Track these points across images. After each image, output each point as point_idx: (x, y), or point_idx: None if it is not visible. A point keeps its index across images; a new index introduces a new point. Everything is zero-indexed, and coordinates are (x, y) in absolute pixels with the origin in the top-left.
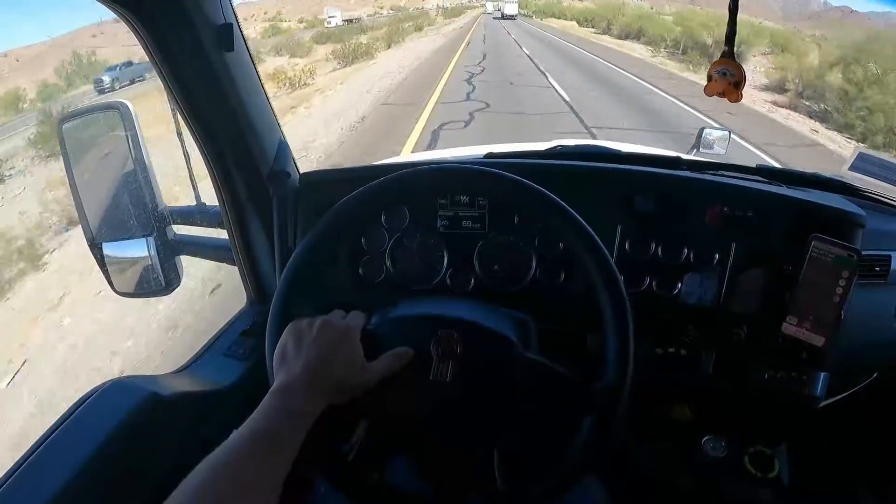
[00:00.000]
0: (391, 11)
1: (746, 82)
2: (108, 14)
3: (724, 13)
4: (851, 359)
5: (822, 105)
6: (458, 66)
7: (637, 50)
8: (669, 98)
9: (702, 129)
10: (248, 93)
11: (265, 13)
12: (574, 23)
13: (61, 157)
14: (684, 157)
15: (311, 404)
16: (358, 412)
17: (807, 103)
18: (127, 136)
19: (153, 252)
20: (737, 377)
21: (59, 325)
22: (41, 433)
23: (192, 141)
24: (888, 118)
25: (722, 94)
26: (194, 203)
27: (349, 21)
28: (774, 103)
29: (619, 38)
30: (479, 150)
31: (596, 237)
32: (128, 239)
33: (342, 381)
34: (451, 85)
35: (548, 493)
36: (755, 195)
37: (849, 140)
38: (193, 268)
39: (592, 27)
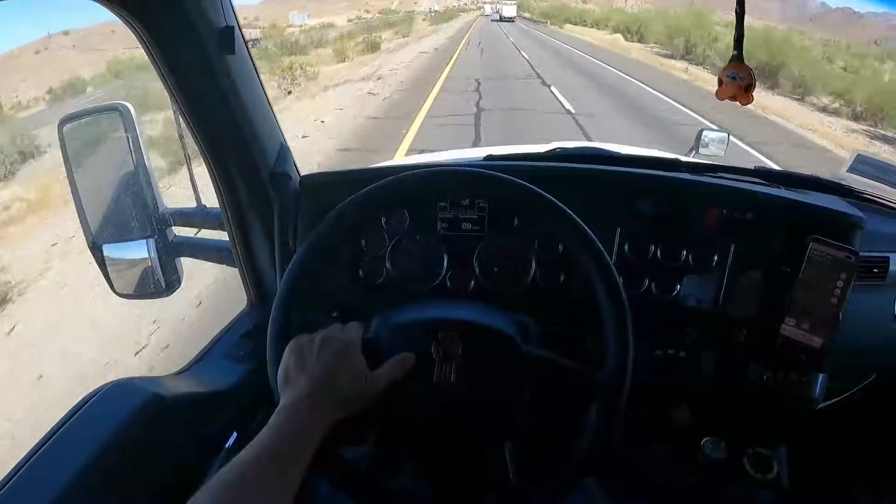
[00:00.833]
0: (378, 15)
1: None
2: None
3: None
4: (850, 360)
5: None
6: None
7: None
8: None
9: (700, 131)
10: (249, 95)
11: (244, 18)
12: (604, 34)
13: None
14: (683, 159)
15: (317, 421)
16: (366, 422)
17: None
18: (127, 138)
19: (153, 254)
20: (735, 379)
21: None
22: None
23: (193, 143)
24: None
25: (733, 98)
26: (195, 205)
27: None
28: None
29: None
30: (478, 153)
31: (592, 235)
32: (128, 241)
33: (347, 394)
34: None
35: (558, 486)
36: (754, 197)
37: None
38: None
39: (643, 42)
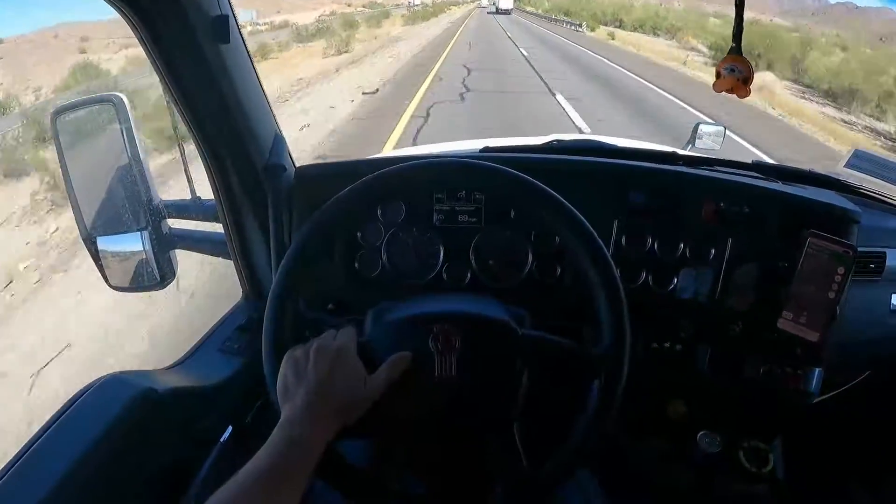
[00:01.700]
0: (362, 9)
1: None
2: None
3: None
4: (846, 355)
5: None
6: None
7: None
8: None
9: (697, 125)
10: (243, 85)
11: None
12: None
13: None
14: (680, 152)
15: (317, 434)
16: (369, 425)
17: None
18: (122, 130)
19: (148, 246)
20: (732, 372)
21: None
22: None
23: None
24: None
25: (731, 91)
26: (189, 197)
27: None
28: None
29: None
30: (475, 145)
31: (582, 218)
32: (122, 233)
33: (347, 401)
34: None
35: (564, 468)
36: (751, 191)
37: None
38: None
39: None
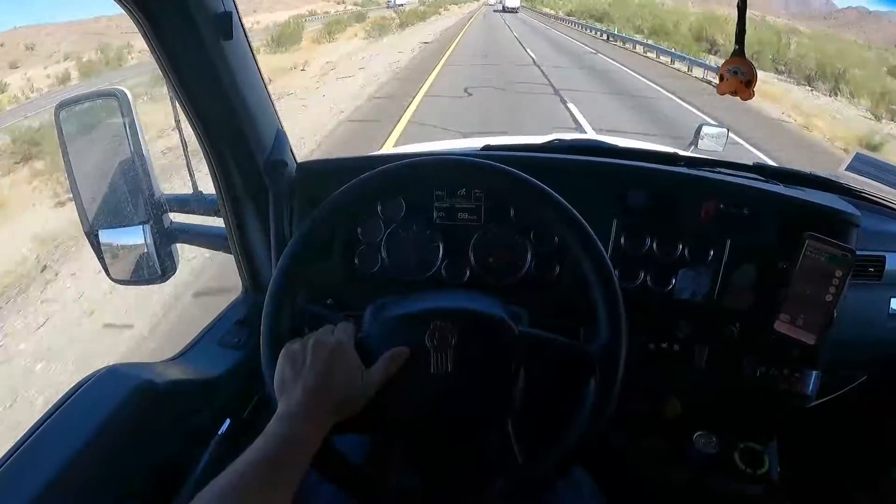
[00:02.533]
0: (354, 7)
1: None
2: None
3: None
4: (843, 358)
5: None
6: None
7: None
8: None
9: (700, 126)
10: (246, 82)
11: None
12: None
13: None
14: (681, 153)
15: (314, 427)
16: (364, 420)
17: None
18: (124, 124)
19: (149, 240)
20: (729, 373)
21: None
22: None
23: (190, 129)
24: None
25: (734, 93)
26: (191, 191)
27: None
28: None
29: None
30: (475, 143)
31: (580, 217)
32: (124, 226)
33: (343, 396)
34: None
35: (561, 464)
36: (751, 192)
37: None
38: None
39: None
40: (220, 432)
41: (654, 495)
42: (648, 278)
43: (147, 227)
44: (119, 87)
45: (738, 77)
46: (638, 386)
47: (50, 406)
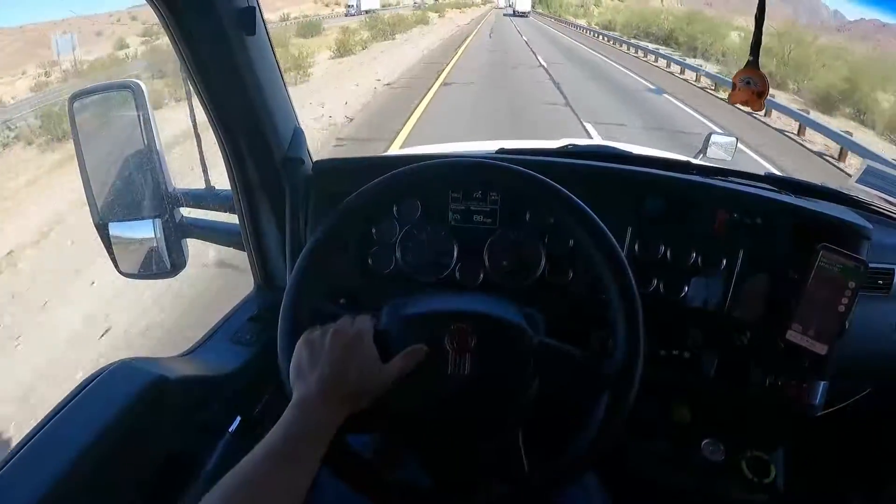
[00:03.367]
0: (339, 9)
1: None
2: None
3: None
4: (851, 369)
5: None
6: None
7: None
8: None
9: (709, 135)
10: (266, 77)
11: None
12: None
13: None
14: (694, 161)
15: (329, 416)
16: (377, 413)
17: None
18: (139, 116)
19: (160, 234)
20: (738, 381)
21: None
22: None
23: (207, 123)
24: None
25: (745, 103)
26: (204, 186)
27: None
28: None
29: None
30: (490, 146)
31: (607, 231)
32: (135, 219)
33: (359, 387)
34: None
35: (567, 475)
36: (764, 202)
37: None
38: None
39: None
40: (230, 429)
41: (661, 500)
42: (661, 285)
43: (158, 221)
44: (134, 80)
45: (751, 87)
46: (648, 391)
47: (62, 398)
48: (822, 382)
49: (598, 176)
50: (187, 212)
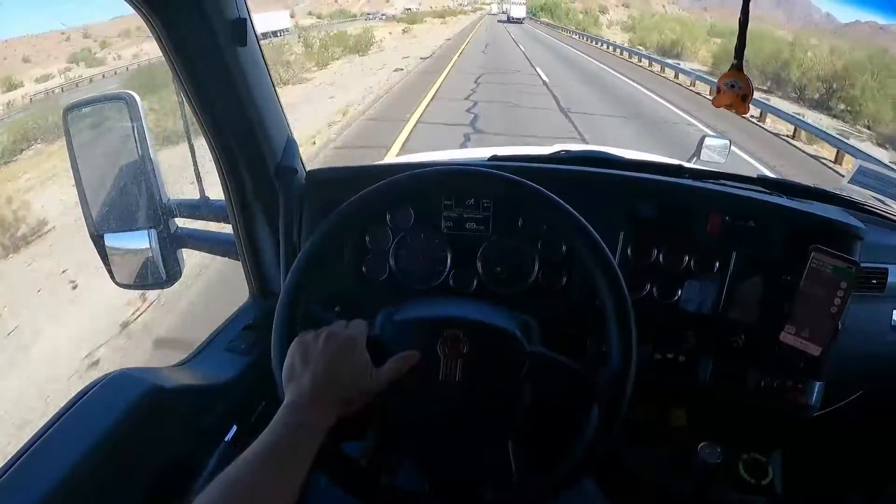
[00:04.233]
0: (329, 21)
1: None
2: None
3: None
4: (847, 369)
5: None
6: None
7: None
8: None
9: (702, 138)
10: (258, 88)
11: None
12: None
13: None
14: (686, 164)
15: (321, 418)
16: (369, 418)
17: None
18: (133, 128)
19: (155, 244)
20: (733, 384)
21: None
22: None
23: (200, 134)
24: None
25: (729, 107)
26: (199, 197)
27: None
28: None
29: None
30: (482, 153)
31: (596, 235)
32: (130, 230)
33: (351, 391)
34: None
35: (557, 484)
36: (756, 205)
37: None
38: None
39: None
40: (227, 438)
41: (658, 503)
42: (654, 289)
43: (153, 231)
44: (127, 91)
45: (735, 91)
46: (644, 395)
47: (59, 408)
48: (818, 383)
49: (590, 181)
50: (182, 222)
